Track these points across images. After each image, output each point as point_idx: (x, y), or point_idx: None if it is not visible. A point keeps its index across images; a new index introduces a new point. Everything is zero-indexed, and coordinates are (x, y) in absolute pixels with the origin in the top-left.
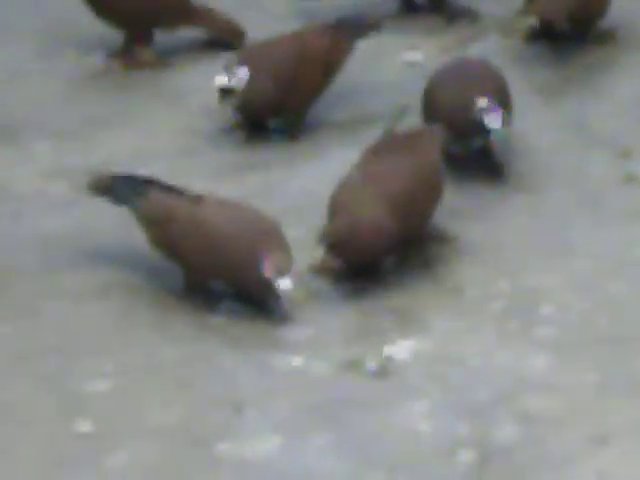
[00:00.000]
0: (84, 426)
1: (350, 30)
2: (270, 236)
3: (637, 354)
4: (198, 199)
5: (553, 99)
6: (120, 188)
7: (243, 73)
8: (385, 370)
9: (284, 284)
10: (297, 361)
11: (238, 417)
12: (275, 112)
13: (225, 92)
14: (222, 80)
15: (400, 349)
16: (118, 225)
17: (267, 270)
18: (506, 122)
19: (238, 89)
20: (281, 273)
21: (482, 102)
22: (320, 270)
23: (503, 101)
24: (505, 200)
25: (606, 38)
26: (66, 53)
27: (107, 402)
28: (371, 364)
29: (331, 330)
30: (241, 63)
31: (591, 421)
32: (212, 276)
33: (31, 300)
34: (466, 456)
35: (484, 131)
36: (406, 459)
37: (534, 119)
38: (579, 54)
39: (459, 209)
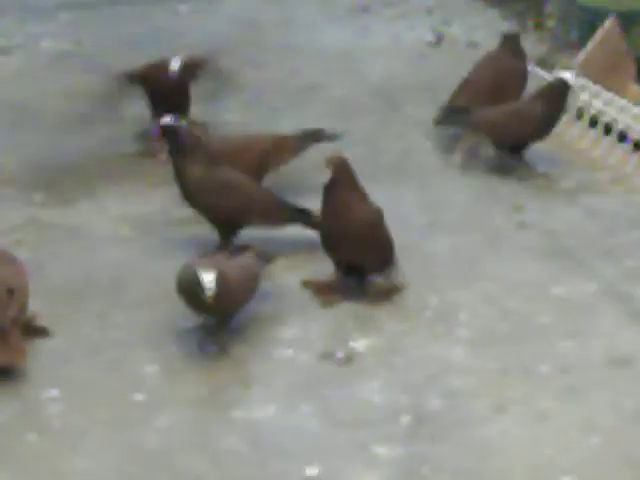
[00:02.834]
0: (139, 397)
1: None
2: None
3: (528, 350)
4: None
5: (467, 169)
6: None
7: None
8: (349, 359)
9: (207, 277)
10: (288, 352)
11: (247, 391)
12: None
13: None
14: None
15: (360, 344)
16: (167, 257)
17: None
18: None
19: None
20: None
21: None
22: (308, 284)
23: None
24: (433, 240)
25: None
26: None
27: (156, 380)
28: (340, 355)
29: (312, 330)
30: None
31: (495, 395)
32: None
33: (103, 307)
34: (406, 419)
35: None
36: (365, 421)
37: (453, 183)
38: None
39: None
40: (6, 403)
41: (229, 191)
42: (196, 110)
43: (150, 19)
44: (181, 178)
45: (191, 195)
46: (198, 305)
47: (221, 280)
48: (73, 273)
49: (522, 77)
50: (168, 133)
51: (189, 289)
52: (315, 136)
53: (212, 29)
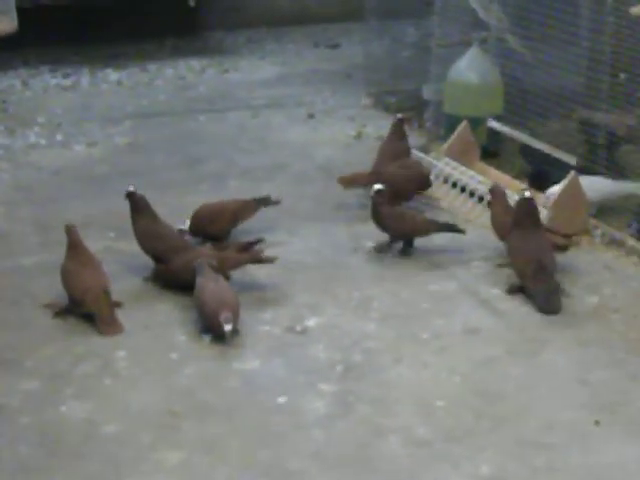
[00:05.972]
0: (174, 355)
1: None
2: (230, 303)
3: (414, 324)
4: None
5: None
6: None
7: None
8: (304, 331)
9: (227, 327)
10: (266, 328)
11: (242, 351)
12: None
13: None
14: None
15: (311, 322)
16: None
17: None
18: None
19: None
20: (226, 322)
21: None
22: None
23: None
24: (356, 259)
25: None
26: None
27: (185, 345)
28: (298, 328)
29: (280, 314)
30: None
31: (394, 352)
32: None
33: (151, 300)
34: (339, 368)
35: None
36: (314, 369)
37: (369, 223)
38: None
39: (338, 263)
40: (92, 359)
41: (156, 238)
42: (206, 187)
43: (181, 125)
44: (133, 226)
45: (136, 237)
46: None
47: None
48: (133, 279)
49: (407, 153)
50: (130, 196)
51: None
52: (265, 201)
53: (219, 131)
